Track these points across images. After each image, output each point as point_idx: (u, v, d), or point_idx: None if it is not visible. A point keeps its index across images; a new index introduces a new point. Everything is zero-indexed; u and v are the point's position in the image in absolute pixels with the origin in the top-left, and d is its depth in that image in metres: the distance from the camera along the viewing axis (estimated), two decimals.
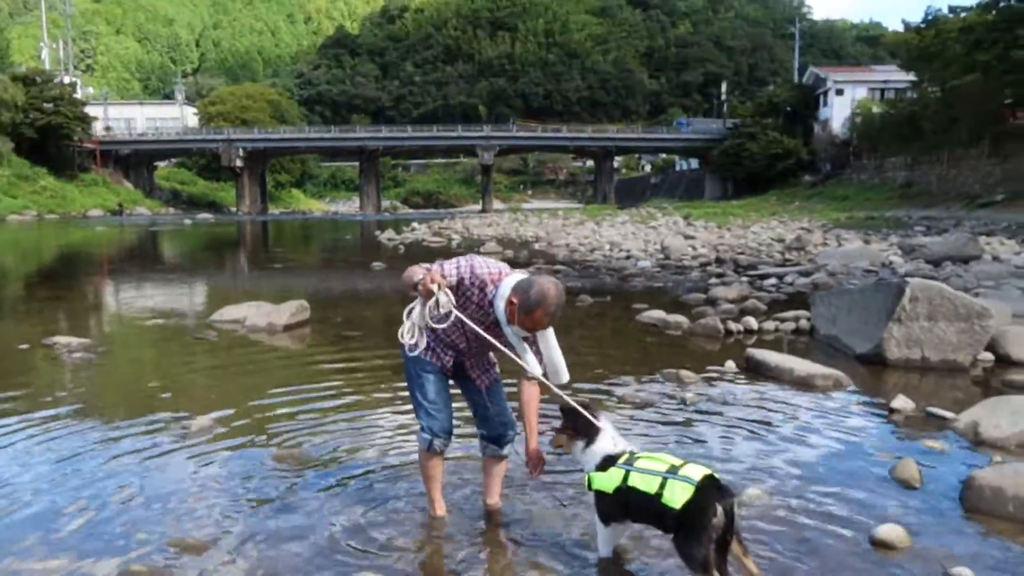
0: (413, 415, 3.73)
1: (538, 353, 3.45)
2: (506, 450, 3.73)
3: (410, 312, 3.48)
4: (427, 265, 3.40)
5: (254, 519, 3.70)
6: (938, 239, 17.30)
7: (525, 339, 3.39)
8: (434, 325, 3.39)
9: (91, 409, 5.68)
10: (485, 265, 3.38)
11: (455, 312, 3.32)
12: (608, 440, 3.22)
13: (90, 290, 14.87)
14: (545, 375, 3.48)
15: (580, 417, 3.27)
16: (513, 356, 3.38)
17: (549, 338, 3.44)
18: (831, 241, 21.18)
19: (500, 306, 3.29)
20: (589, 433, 3.24)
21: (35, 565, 3.23)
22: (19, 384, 6.50)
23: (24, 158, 56.55)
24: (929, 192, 38.85)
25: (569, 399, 3.33)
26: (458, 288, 3.34)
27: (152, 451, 4.68)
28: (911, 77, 45.38)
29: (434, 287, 3.26)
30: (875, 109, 52.81)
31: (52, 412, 5.57)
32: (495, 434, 3.69)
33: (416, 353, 3.52)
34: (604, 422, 3.28)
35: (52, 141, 59.22)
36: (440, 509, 3.72)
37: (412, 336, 3.47)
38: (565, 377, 3.51)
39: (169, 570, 3.19)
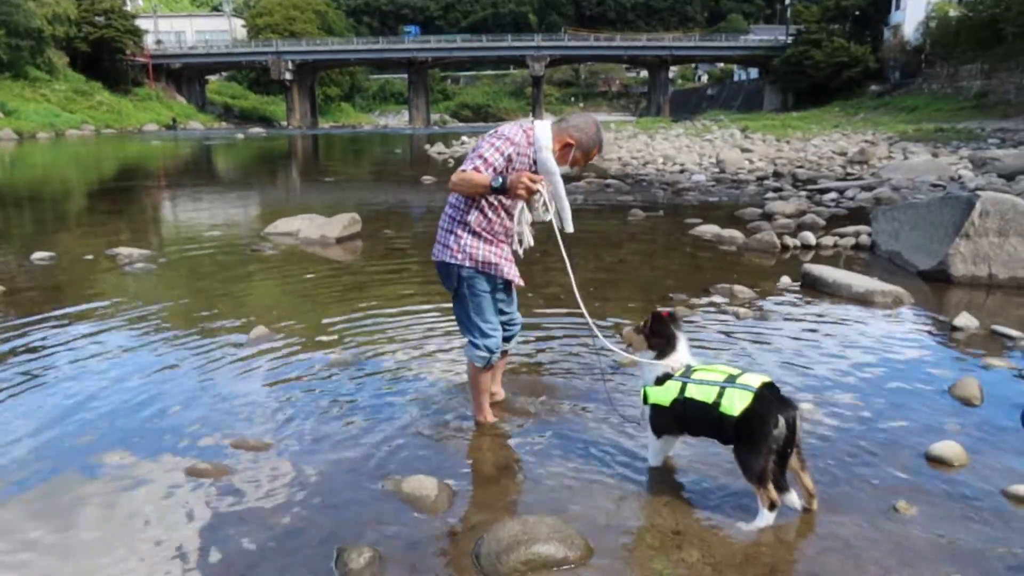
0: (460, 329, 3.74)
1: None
2: (512, 343, 3.88)
3: (520, 220, 3.46)
4: (487, 173, 3.26)
5: (310, 422, 3.83)
6: (1013, 152, 16.40)
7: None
8: (545, 218, 3.41)
9: (154, 317, 5.88)
10: (512, 131, 3.32)
11: (552, 212, 3.34)
12: (678, 358, 3.13)
13: (149, 203, 15.22)
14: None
15: (666, 327, 3.18)
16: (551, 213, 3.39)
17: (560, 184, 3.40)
18: (896, 154, 20.29)
19: (547, 156, 3.28)
20: (666, 345, 3.15)
21: (107, 460, 3.41)
22: (86, 294, 6.75)
23: (79, 73, 57.22)
24: (1006, 102, 36.60)
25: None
26: (509, 164, 3.29)
27: (213, 357, 4.84)
28: None
29: (539, 186, 3.21)
30: (952, 12, 49.44)
31: (117, 320, 5.79)
32: (511, 333, 3.82)
33: (475, 270, 3.46)
34: (682, 343, 3.17)
35: (105, 55, 59.66)
36: (489, 416, 3.79)
37: (531, 240, 3.53)
38: (571, 226, 3.44)
39: (233, 468, 3.33)
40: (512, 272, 3.55)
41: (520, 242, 3.52)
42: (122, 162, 27.30)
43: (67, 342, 5.20)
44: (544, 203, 3.34)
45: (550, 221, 3.44)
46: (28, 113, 46.62)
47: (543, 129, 3.31)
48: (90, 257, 8.43)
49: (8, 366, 4.69)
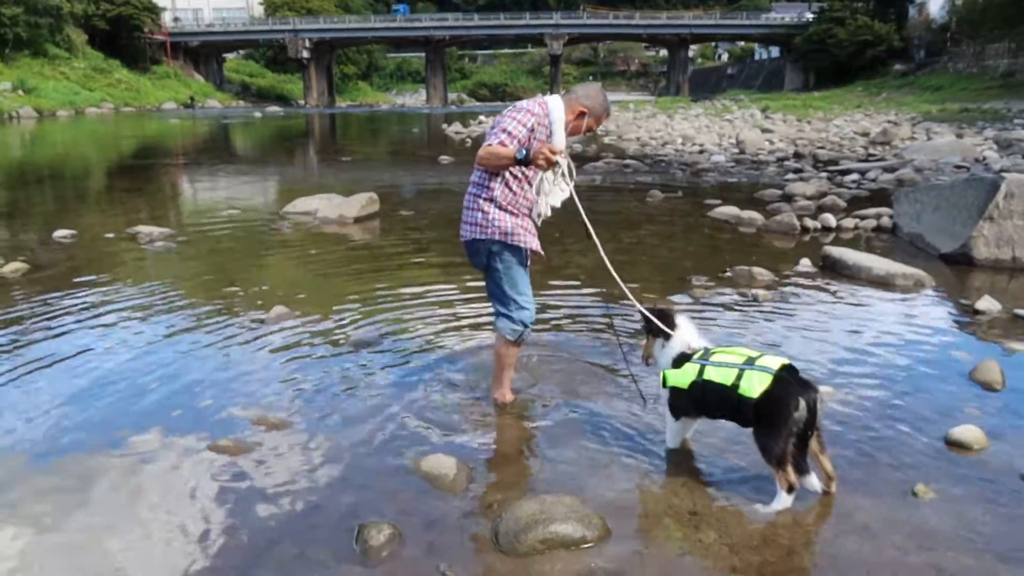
0: (491, 307, 3.78)
1: None
2: None
3: (539, 190, 3.51)
4: (512, 146, 3.32)
5: (330, 400, 3.86)
6: None
7: None
8: (564, 194, 3.51)
9: (174, 296, 5.94)
10: (531, 104, 3.44)
11: (569, 168, 3.40)
12: (684, 337, 3.20)
13: (168, 181, 15.32)
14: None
15: (657, 318, 3.27)
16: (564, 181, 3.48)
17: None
18: (920, 135, 20.00)
19: (559, 129, 3.41)
20: (665, 331, 3.24)
21: (129, 435, 3.46)
22: (107, 272, 6.82)
23: (98, 50, 57.38)
24: None
25: (642, 307, 3.36)
26: (531, 135, 3.37)
27: (233, 335, 4.89)
28: None
29: (559, 158, 3.27)
30: None
31: (138, 299, 5.86)
32: None
33: (515, 243, 3.52)
34: (682, 320, 3.26)
35: (124, 33, 59.65)
36: (509, 394, 3.82)
37: (550, 209, 3.59)
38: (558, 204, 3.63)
39: (254, 445, 3.37)
40: (535, 244, 3.61)
41: (539, 214, 3.57)
42: (141, 140, 27.45)
43: (89, 320, 5.27)
44: (563, 174, 3.41)
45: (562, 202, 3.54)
46: (48, 91, 46.84)
47: (556, 102, 3.45)
48: (111, 235, 8.51)
49: (31, 343, 4.76)
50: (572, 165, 3.44)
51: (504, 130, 3.34)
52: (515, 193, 3.49)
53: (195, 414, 3.72)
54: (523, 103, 3.47)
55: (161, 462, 3.25)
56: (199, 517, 2.83)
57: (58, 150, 23.78)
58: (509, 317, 3.61)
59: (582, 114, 3.47)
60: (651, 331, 3.31)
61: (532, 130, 3.36)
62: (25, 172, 16.70)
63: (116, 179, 15.81)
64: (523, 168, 3.42)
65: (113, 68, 57.38)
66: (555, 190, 3.52)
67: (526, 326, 3.63)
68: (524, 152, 3.25)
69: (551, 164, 3.26)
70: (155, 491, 3.02)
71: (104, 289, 6.12)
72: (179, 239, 8.33)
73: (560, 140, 3.40)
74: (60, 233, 8.33)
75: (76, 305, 5.62)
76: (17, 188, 13.73)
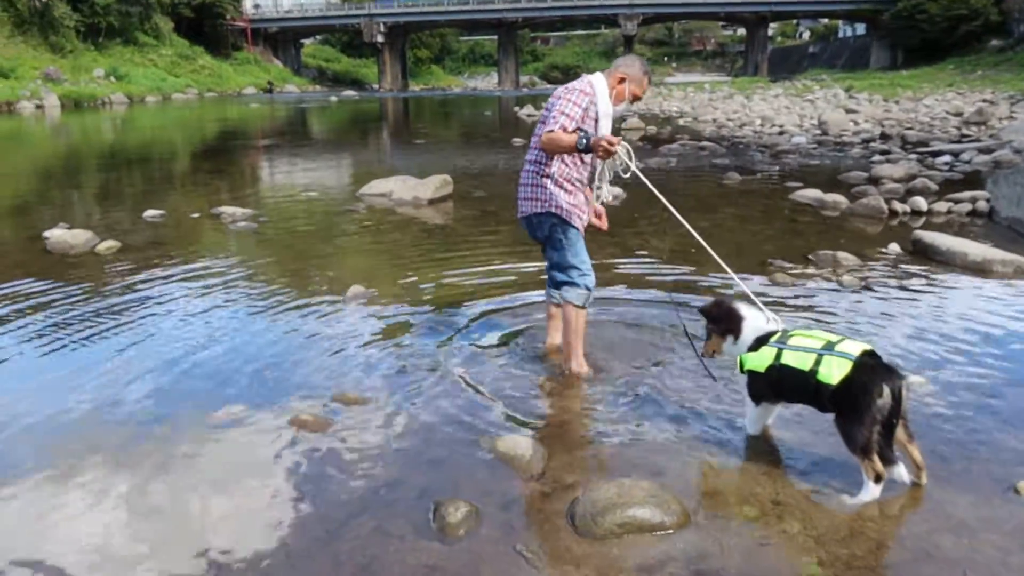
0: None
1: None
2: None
3: (600, 177, 3.85)
4: (571, 127, 3.55)
5: (406, 379, 3.90)
6: None
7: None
8: (624, 174, 3.72)
9: (257, 274, 6.11)
10: (582, 84, 3.68)
11: (633, 165, 3.60)
12: (756, 323, 3.12)
13: (249, 163, 15.76)
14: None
15: (720, 315, 3.21)
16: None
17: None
18: (1019, 114, 18.88)
19: (604, 102, 3.66)
20: (732, 325, 3.16)
21: (215, 412, 3.56)
22: (193, 250, 7.07)
23: (183, 38, 59.45)
24: None
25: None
26: (585, 113, 3.62)
27: (312, 314, 4.99)
28: None
29: (618, 148, 3.45)
30: None
31: (223, 276, 6.05)
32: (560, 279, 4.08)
33: (570, 220, 3.78)
34: (746, 310, 3.18)
35: (207, 20, 61.66)
36: (585, 367, 3.90)
37: (610, 194, 3.95)
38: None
39: (334, 420, 3.44)
40: (582, 224, 3.85)
41: (599, 197, 3.89)
42: (223, 124, 28.32)
43: (176, 296, 5.47)
44: (622, 160, 3.61)
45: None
46: (137, 77, 48.78)
47: (598, 78, 3.72)
48: (196, 215, 8.82)
49: (122, 318, 4.97)
50: (631, 150, 3.62)
51: (562, 112, 3.57)
52: (569, 167, 3.77)
53: (276, 389, 3.81)
54: (575, 84, 3.71)
55: (243, 435, 3.34)
56: (281, 489, 2.90)
57: (147, 134, 24.79)
58: (575, 284, 3.84)
59: (622, 80, 3.70)
60: (718, 332, 3.22)
61: (586, 109, 3.61)
62: (116, 155, 17.47)
63: (200, 161, 16.38)
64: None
65: (197, 55, 59.33)
66: (610, 178, 3.85)
67: (590, 290, 3.85)
68: (584, 142, 3.46)
69: (609, 153, 3.44)
70: (238, 463, 3.10)
71: (190, 267, 6.34)
72: (260, 219, 8.56)
73: (606, 106, 3.64)
74: (149, 213, 8.67)
75: (164, 282, 5.84)
76: (110, 170, 14.38)
